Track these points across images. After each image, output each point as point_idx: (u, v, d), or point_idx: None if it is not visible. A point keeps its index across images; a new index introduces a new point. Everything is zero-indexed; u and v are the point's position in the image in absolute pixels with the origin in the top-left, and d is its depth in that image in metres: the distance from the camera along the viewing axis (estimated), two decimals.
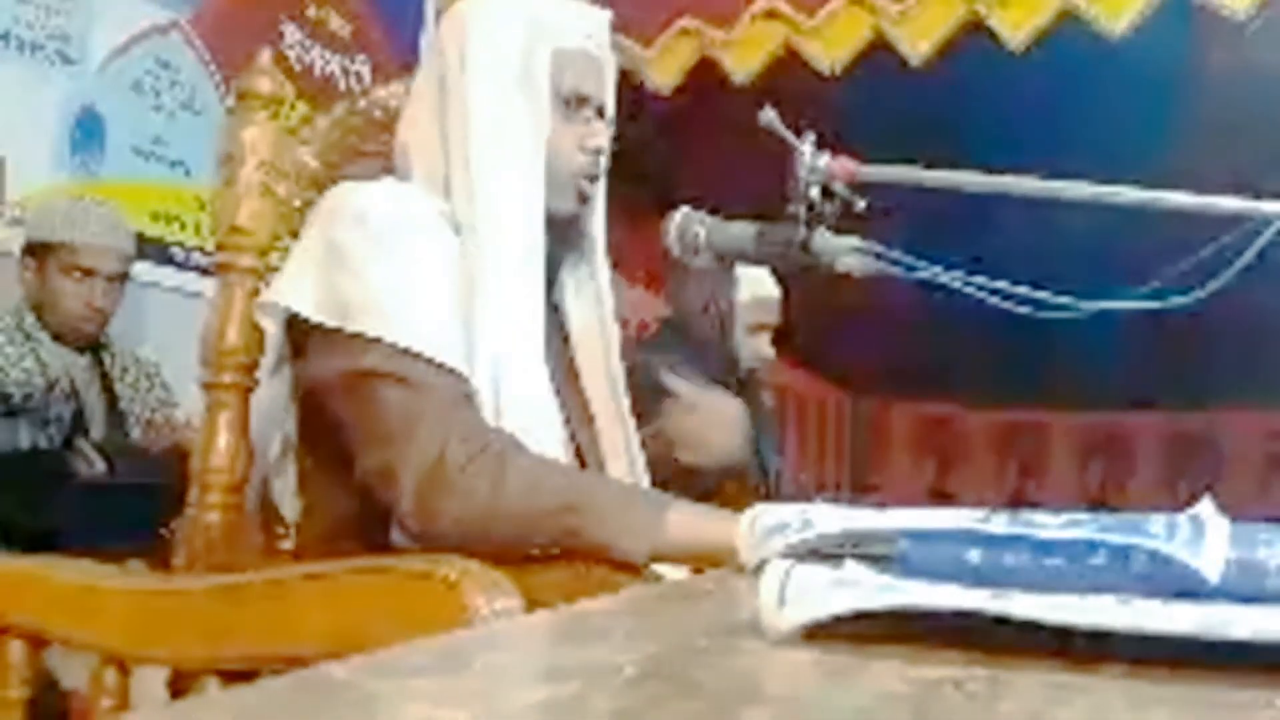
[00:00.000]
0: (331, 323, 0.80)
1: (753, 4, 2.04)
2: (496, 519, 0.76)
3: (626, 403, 0.96)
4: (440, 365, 0.79)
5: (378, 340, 0.79)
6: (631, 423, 0.96)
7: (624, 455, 0.94)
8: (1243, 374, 3.22)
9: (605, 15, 0.92)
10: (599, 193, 0.94)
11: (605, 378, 0.95)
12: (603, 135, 0.90)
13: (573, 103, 0.88)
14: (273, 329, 0.86)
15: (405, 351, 0.79)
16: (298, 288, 0.82)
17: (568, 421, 0.91)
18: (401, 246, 0.82)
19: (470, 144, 0.85)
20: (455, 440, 0.77)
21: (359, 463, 0.80)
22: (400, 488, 0.76)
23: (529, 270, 0.86)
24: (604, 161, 0.91)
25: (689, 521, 0.76)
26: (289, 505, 0.90)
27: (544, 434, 0.84)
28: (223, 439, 0.88)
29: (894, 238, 0.87)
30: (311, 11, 2.42)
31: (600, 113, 0.90)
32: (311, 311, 0.81)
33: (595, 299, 0.96)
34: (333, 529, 0.87)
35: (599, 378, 0.95)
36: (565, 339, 0.96)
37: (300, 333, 0.84)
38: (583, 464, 0.92)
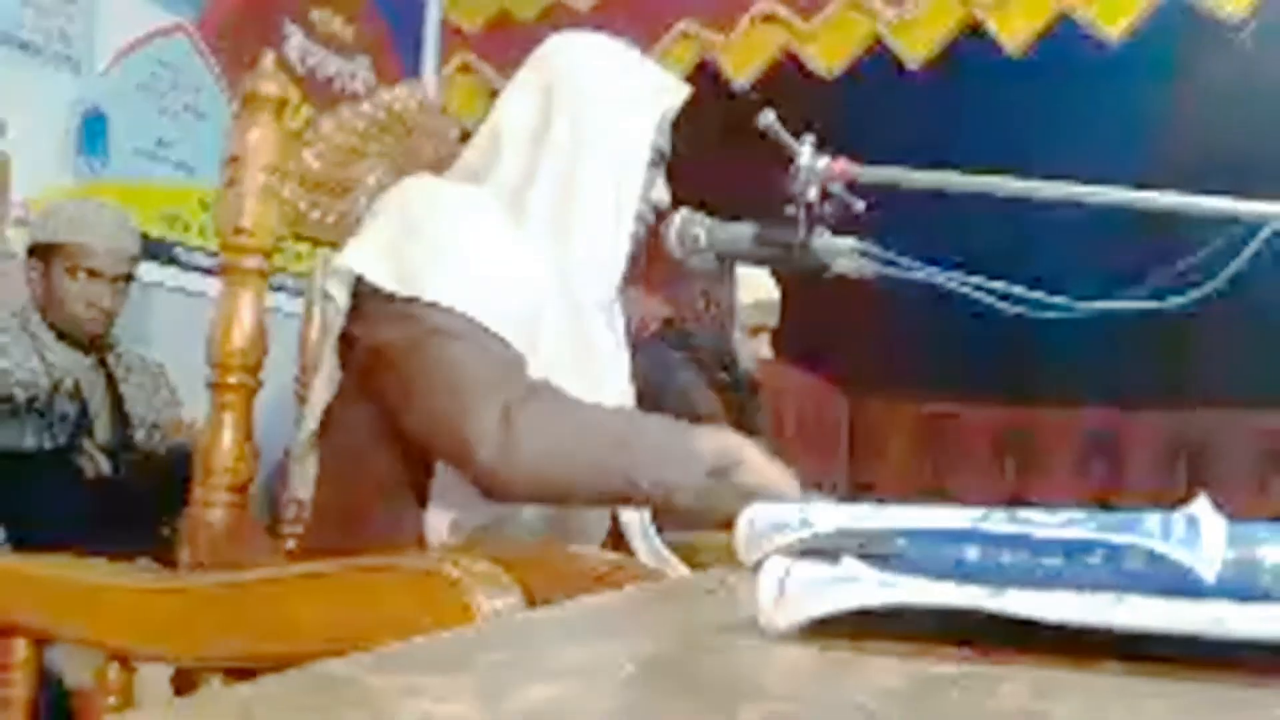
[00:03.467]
0: (401, 290, 0.83)
1: (751, 8, 2.05)
2: (562, 458, 0.79)
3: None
4: (498, 335, 0.82)
5: (440, 305, 0.82)
6: None
7: None
8: (1240, 374, 3.22)
9: (687, 89, 0.97)
10: None
11: (619, 371, 0.98)
12: (665, 189, 0.95)
13: (654, 160, 0.94)
14: (342, 296, 0.87)
15: (467, 317, 0.82)
16: (368, 257, 0.85)
17: None
18: (474, 229, 0.86)
19: (566, 194, 0.89)
20: (516, 392, 0.80)
21: (417, 416, 0.82)
22: (475, 436, 0.78)
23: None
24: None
25: (715, 441, 0.83)
26: (305, 482, 0.92)
27: None
28: (227, 439, 0.88)
29: (892, 239, 0.87)
30: (316, 14, 2.43)
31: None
32: (382, 278, 0.84)
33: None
34: (357, 506, 0.88)
35: (613, 370, 0.98)
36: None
37: (363, 303, 0.86)
38: None
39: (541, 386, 0.82)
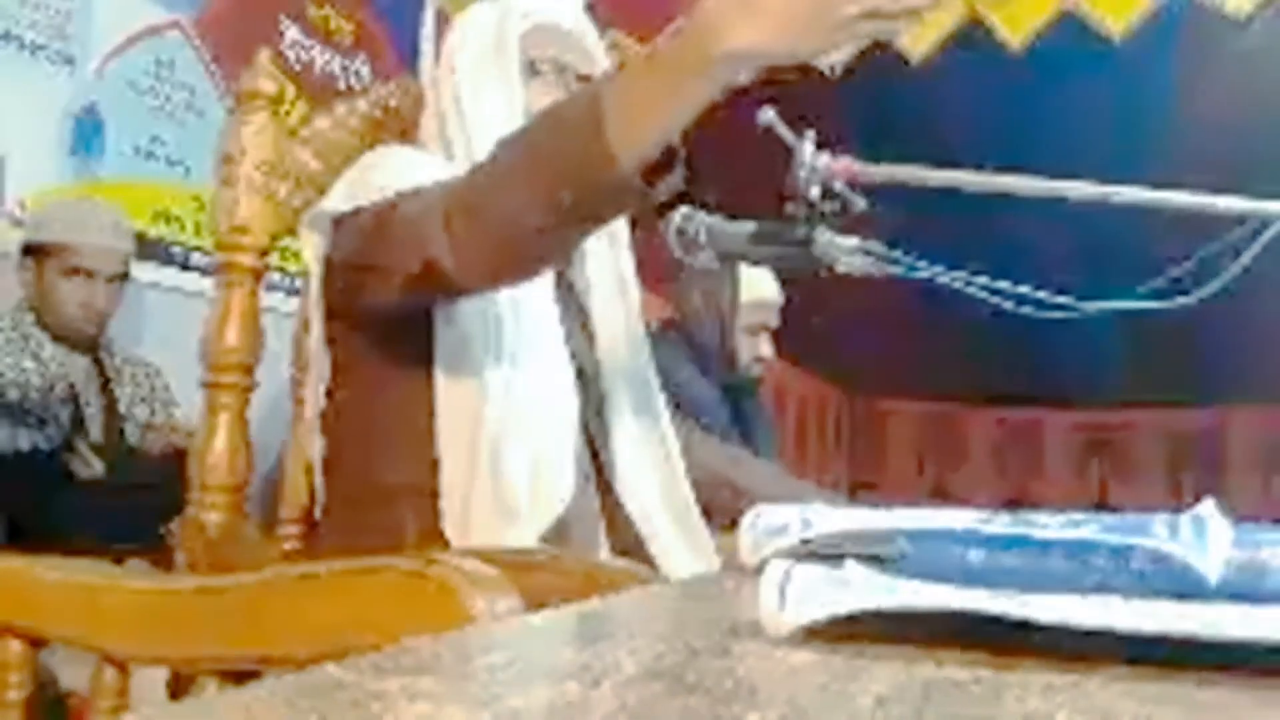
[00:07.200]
0: (355, 205, 0.86)
1: None
2: (496, 190, 0.76)
3: (656, 393, 0.97)
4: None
5: (388, 190, 0.84)
6: (658, 418, 0.97)
7: (643, 454, 0.94)
8: (1243, 373, 3.22)
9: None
10: None
11: (626, 365, 0.97)
12: None
13: (543, 67, 0.95)
14: (317, 240, 0.89)
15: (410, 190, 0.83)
16: (331, 200, 0.89)
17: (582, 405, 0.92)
18: (421, 163, 0.89)
19: (461, 115, 0.93)
20: (435, 214, 0.78)
21: (386, 260, 0.82)
22: (434, 228, 0.77)
23: None
24: None
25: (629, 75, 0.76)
26: (301, 483, 0.92)
27: (557, 385, 0.86)
28: (222, 440, 0.88)
29: (895, 237, 0.87)
30: (312, 11, 2.42)
31: (582, 80, 0.96)
32: (342, 204, 0.87)
33: (619, 290, 0.98)
34: (366, 501, 0.87)
35: (618, 362, 0.96)
36: (585, 327, 0.96)
37: (335, 240, 0.88)
38: (594, 453, 0.93)
39: (453, 188, 0.79)
